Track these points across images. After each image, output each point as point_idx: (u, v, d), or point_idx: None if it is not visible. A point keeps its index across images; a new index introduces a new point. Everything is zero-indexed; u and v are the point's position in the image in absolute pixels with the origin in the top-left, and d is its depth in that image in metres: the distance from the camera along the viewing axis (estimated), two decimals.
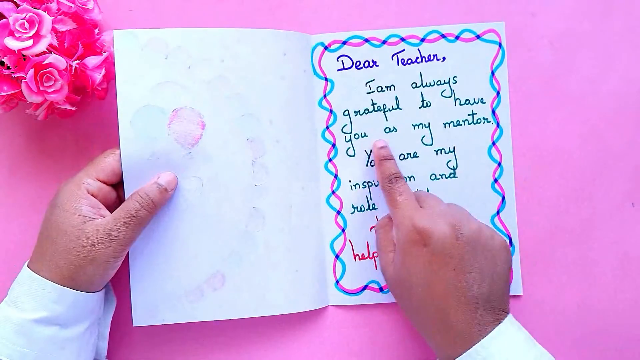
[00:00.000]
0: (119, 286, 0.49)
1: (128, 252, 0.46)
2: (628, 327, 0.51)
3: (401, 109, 0.51)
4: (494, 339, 0.40)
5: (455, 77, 0.51)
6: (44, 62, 0.41)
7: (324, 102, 0.51)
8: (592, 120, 0.51)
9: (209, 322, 0.49)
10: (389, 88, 0.51)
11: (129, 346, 0.50)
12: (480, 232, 0.43)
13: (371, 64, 0.51)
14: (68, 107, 0.45)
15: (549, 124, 0.51)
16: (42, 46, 0.41)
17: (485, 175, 0.51)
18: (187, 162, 0.46)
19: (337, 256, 0.51)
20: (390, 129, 0.51)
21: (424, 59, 0.51)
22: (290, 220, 0.48)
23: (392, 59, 0.51)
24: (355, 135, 0.51)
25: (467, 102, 0.51)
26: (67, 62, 0.42)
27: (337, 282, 0.51)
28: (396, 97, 0.51)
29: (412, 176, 0.51)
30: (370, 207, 0.51)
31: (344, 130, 0.51)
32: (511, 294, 0.48)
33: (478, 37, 0.51)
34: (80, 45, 0.44)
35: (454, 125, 0.51)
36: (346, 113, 0.51)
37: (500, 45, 0.51)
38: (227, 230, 0.47)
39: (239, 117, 0.47)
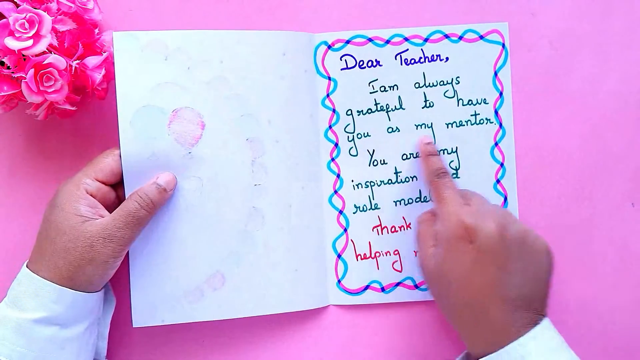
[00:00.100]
0: (118, 286, 0.48)
1: (128, 252, 0.46)
2: (628, 327, 0.51)
3: (404, 109, 0.51)
4: (533, 339, 0.40)
5: (458, 77, 0.51)
6: (44, 62, 0.41)
7: (326, 102, 0.51)
8: (593, 120, 0.52)
9: (209, 322, 0.49)
10: (392, 88, 0.51)
11: (128, 346, 0.50)
12: (526, 234, 0.43)
13: (374, 63, 0.50)
14: (68, 107, 0.44)
15: (549, 124, 0.51)
16: (42, 46, 0.41)
17: (488, 176, 0.51)
18: (187, 162, 0.46)
19: (339, 256, 0.51)
20: (393, 128, 0.51)
21: (427, 59, 0.51)
22: (290, 219, 0.49)
23: (396, 59, 0.50)
24: (358, 134, 0.51)
25: (470, 102, 0.51)
26: (67, 62, 0.42)
27: (339, 281, 0.51)
28: (399, 97, 0.51)
29: (414, 176, 0.51)
30: (373, 207, 0.51)
31: (346, 130, 0.51)
32: None
33: (481, 37, 0.51)
34: (80, 45, 0.44)
35: (456, 126, 0.51)
36: (349, 112, 0.51)
37: (503, 45, 0.51)
38: (226, 230, 0.47)
39: (238, 117, 0.47)
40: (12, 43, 0.40)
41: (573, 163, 0.51)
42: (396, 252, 0.51)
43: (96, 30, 0.46)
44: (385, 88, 0.51)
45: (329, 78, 0.50)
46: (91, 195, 0.43)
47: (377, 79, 0.51)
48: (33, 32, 0.40)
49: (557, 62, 0.51)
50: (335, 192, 0.51)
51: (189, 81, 0.46)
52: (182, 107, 0.46)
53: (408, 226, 0.51)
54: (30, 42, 0.40)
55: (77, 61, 0.43)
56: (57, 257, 0.41)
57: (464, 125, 0.51)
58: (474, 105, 0.51)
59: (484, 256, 0.42)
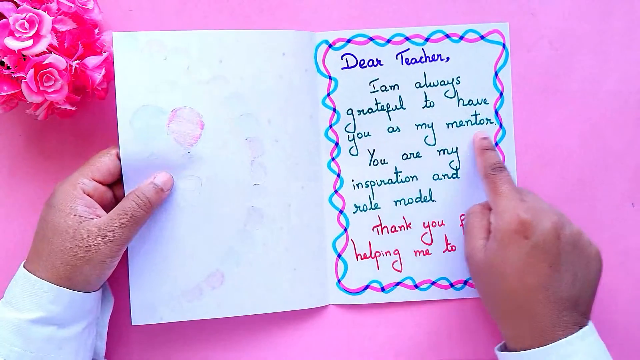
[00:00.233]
0: (116, 286, 0.48)
1: (127, 251, 0.46)
2: (628, 327, 0.51)
3: (405, 109, 0.51)
4: (580, 339, 0.41)
5: (459, 77, 0.51)
6: (44, 62, 0.41)
7: (327, 101, 0.50)
8: (592, 120, 0.52)
9: (208, 321, 0.49)
10: (392, 87, 0.51)
11: (127, 346, 0.50)
12: (580, 236, 0.43)
13: (375, 62, 0.50)
14: (68, 107, 0.44)
15: (549, 124, 0.51)
16: (42, 46, 0.41)
17: None
18: (186, 162, 0.46)
19: (339, 255, 0.51)
20: (393, 128, 0.51)
21: (428, 59, 0.51)
22: (289, 219, 0.49)
23: (397, 58, 0.50)
24: (358, 134, 0.51)
25: (470, 102, 0.51)
26: (67, 62, 0.42)
27: (339, 281, 0.51)
28: (400, 96, 0.51)
29: (414, 176, 0.51)
30: (373, 207, 0.51)
31: (347, 129, 0.51)
32: None
33: (482, 37, 0.51)
34: (80, 45, 0.44)
35: (457, 126, 0.51)
36: (350, 112, 0.51)
37: (504, 46, 0.51)
38: (225, 229, 0.47)
39: (237, 117, 0.47)
40: (12, 43, 0.40)
41: (573, 163, 0.52)
42: (396, 252, 0.51)
43: (96, 30, 0.45)
44: (385, 87, 0.51)
45: (330, 77, 0.50)
46: (88, 195, 0.43)
47: (377, 79, 0.50)
48: (33, 32, 0.40)
49: (557, 62, 0.51)
50: (336, 191, 0.51)
51: (188, 81, 0.46)
52: (181, 107, 0.46)
53: (408, 226, 0.51)
54: (30, 42, 0.40)
55: (77, 61, 0.43)
56: (54, 257, 0.41)
57: (464, 125, 0.51)
58: (475, 105, 0.51)
59: (538, 253, 0.42)
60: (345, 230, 0.51)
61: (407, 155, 0.51)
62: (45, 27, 0.41)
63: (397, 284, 0.51)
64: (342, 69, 0.50)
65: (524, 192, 0.46)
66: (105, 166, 0.44)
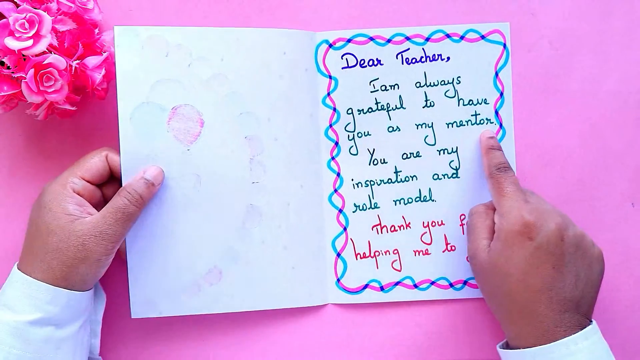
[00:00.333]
0: (111, 283, 0.49)
1: (126, 248, 0.46)
2: (629, 326, 0.52)
3: (405, 108, 0.51)
4: (584, 338, 0.41)
5: (459, 77, 0.51)
6: (44, 62, 0.41)
7: (327, 100, 0.50)
8: (592, 120, 0.52)
9: (206, 318, 0.49)
10: (392, 87, 0.51)
11: (123, 342, 0.50)
12: (583, 238, 0.44)
13: (375, 62, 0.50)
14: (68, 107, 0.44)
15: (549, 124, 0.51)
16: (42, 46, 0.41)
17: None
18: (186, 159, 0.46)
19: (338, 255, 0.51)
20: (393, 128, 0.51)
21: (428, 59, 0.51)
22: (288, 217, 0.49)
23: (397, 58, 0.50)
24: (358, 133, 0.51)
25: (471, 102, 0.51)
26: (67, 62, 0.42)
27: (338, 280, 0.51)
28: (400, 96, 0.51)
29: (414, 176, 0.51)
30: (372, 206, 0.51)
31: (347, 129, 0.51)
32: None
33: (483, 37, 0.51)
34: (80, 45, 0.44)
35: (457, 126, 0.51)
36: (350, 111, 0.51)
37: (504, 46, 0.51)
38: (224, 227, 0.47)
39: (237, 115, 0.47)
40: (12, 43, 0.40)
41: (573, 163, 0.52)
42: (395, 252, 0.51)
43: (96, 30, 0.46)
44: (386, 87, 0.51)
45: (330, 77, 0.50)
46: (78, 194, 0.43)
47: (378, 78, 0.50)
48: (33, 32, 0.40)
49: (557, 62, 0.51)
50: (335, 190, 0.51)
51: (189, 78, 0.46)
52: (181, 105, 0.46)
53: (408, 225, 0.51)
54: (30, 42, 0.40)
55: (77, 61, 0.43)
56: (50, 258, 0.41)
57: (464, 125, 0.51)
58: (475, 105, 0.51)
59: (542, 254, 0.42)
60: (345, 229, 0.51)
61: (407, 155, 0.51)
62: (45, 27, 0.41)
63: (397, 283, 0.51)
64: (343, 68, 0.50)
65: (528, 193, 0.47)
66: (95, 166, 0.44)
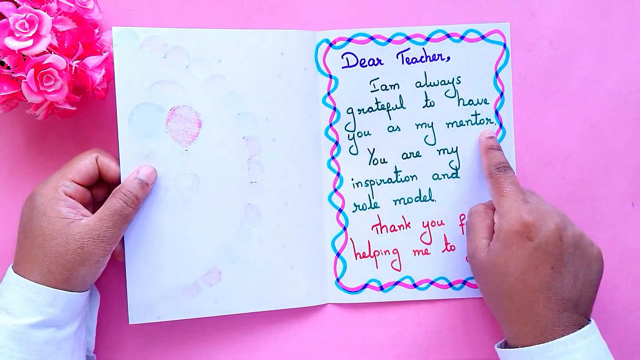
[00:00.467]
0: (107, 283, 0.49)
1: (124, 249, 0.46)
2: (627, 326, 0.52)
3: (405, 108, 0.51)
4: (582, 338, 0.41)
5: (459, 77, 0.51)
6: (44, 62, 0.41)
7: (327, 100, 0.50)
8: (592, 120, 0.52)
9: (205, 318, 0.49)
10: (393, 87, 0.51)
11: (121, 344, 0.50)
12: (582, 237, 0.44)
13: (376, 62, 0.50)
14: (68, 107, 0.44)
15: (549, 124, 0.52)
16: (42, 46, 0.41)
17: None
18: (184, 160, 0.47)
19: (338, 254, 0.51)
20: (393, 127, 0.51)
21: (428, 58, 0.51)
22: (286, 217, 0.49)
23: (397, 58, 0.50)
24: (358, 133, 0.51)
25: (471, 102, 0.51)
26: (67, 62, 0.42)
27: (338, 280, 0.51)
28: (400, 96, 0.51)
29: (414, 175, 0.51)
30: (372, 206, 0.51)
31: (347, 128, 0.51)
32: None
33: (483, 37, 0.51)
34: (80, 45, 0.44)
35: (457, 126, 0.51)
36: (350, 111, 0.51)
37: (504, 46, 0.51)
38: (222, 227, 0.48)
39: (235, 116, 0.48)
40: (12, 43, 0.40)
41: (573, 163, 0.52)
42: (395, 251, 0.51)
43: (96, 30, 0.46)
44: (386, 87, 0.51)
45: (330, 76, 0.50)
46: (70, 197, 0.43)
47: (378, 78, 0.50)
48: (33, 32, 0.40)
49: (557, 62, 0.51)
50: (335, 190, 0.51)
51: (187, 79, 0.46)
52: (179, 105, 0.46)
53: (407, 225, 0.51)
54: (30, 42, 0.40)
55: (77, 61, 0.43)
56: (49, 262, 0.42)
57: (464, 125, 0.51)
58: (475, 105, 0.51)
59: (540, 254, 0.43)
60: (345, 229, 0.51)
61: (407, 155, 0.51)
62: (45, 27, 0.41)
63: (396, 283, 0.51)
64: (343, 68, 0.50)
65: (528, 193, 0.47)
66: (85, 169, 0.44)
